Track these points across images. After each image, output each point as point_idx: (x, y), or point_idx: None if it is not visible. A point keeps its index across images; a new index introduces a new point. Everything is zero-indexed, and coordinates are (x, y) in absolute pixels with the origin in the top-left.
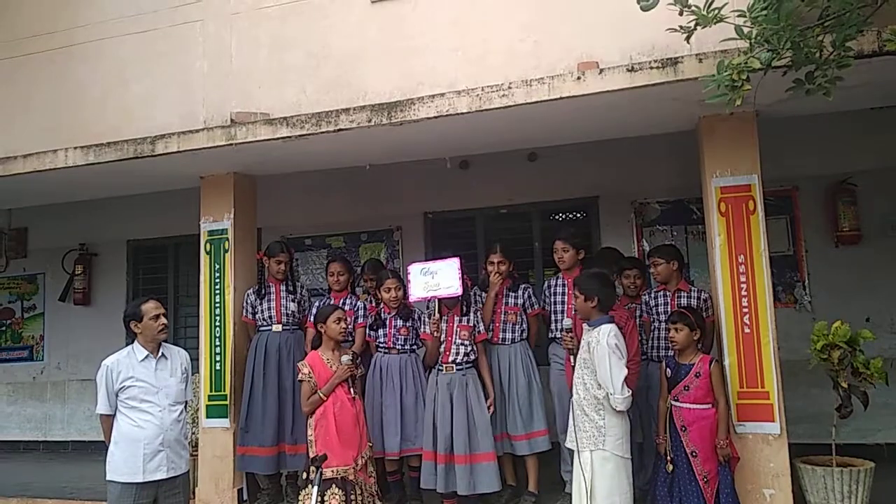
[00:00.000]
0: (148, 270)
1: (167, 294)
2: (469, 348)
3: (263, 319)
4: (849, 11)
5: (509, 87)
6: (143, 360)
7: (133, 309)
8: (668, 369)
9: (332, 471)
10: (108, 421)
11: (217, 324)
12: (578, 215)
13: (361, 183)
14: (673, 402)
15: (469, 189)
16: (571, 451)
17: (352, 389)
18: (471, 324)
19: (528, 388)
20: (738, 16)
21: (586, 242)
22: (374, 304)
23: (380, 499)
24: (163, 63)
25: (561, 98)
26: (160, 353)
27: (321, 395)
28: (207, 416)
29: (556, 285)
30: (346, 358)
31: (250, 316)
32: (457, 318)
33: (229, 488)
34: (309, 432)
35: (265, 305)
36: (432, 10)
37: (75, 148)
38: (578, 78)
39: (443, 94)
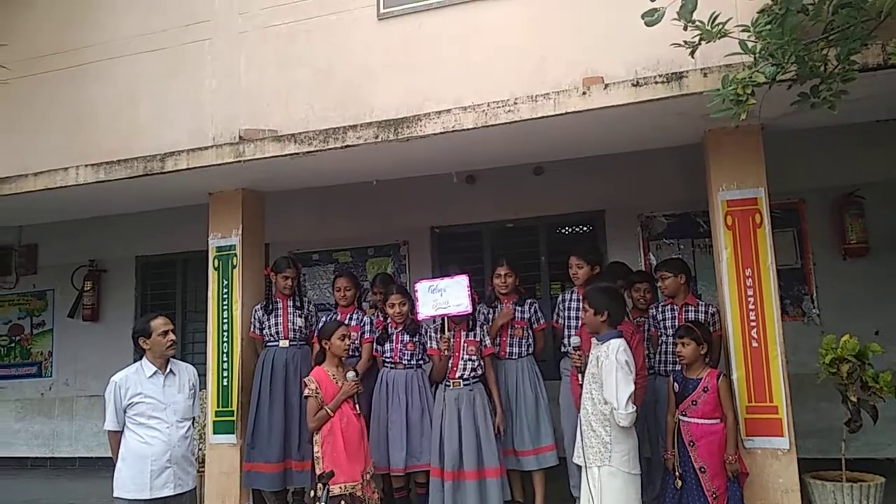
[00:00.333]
0: (156, 286)
1: (175, 310)
2: (476, 363)
3: (270, 335)
4: (853, 25)
5: (515, 103)
6: (151, 376)
7: (142, 325)
8: (675, 384)
9: (340, 487)
10: (115, 437)
11: (225, 339)
12: (585, 229)
13: (368, 198)
14: (681, 417)
15: (475, 203)
16: (580, 467)
17: (357, 406)
18: (478, 338)
19: (535, 402)
20: (742, 30)
21: (599, 258)
22: (381, 319)
23: None
24: (172, 81)
25: (566, 113)
26: (168, 370)
27: (328, 410)
28: (214, 433)
29: (570, 300)
30: (351, 374)
31: (258, 331)
32: (463, 333)
33: None
34: (315, 448)
35: (272, 321)
36: (438, 27)
37: (86, 165)
38: (584, 93)
39: (449, 110)
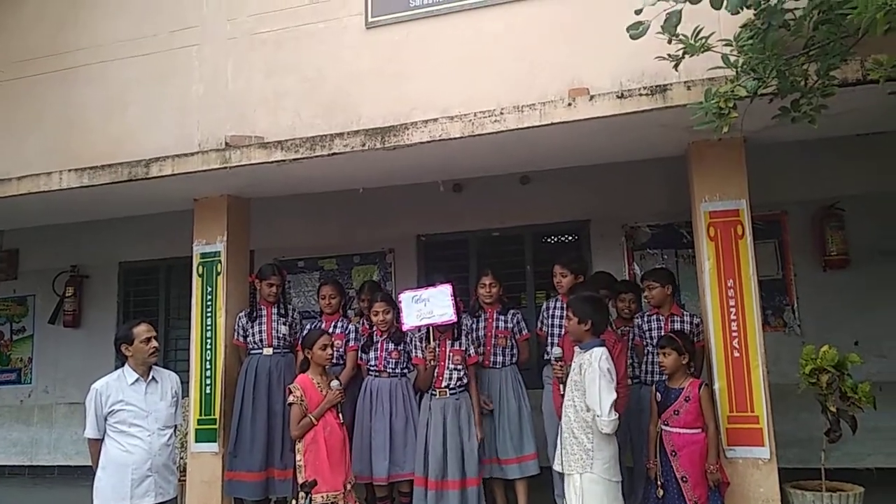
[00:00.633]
0: (139, 293)
1: (158, 317)
2: (462, 372)
3: (254, 342)
4: (832, 41)
5: (501, 113)
6: (133, 383)
7: (124, 332)
8: (657, 393)
9: (323, 496)
10: (95, 445)
11: (208, 347)
12: (570, 238)
13: (354, 205)
14: (663, 427)
15: (462, 212)
16: (562, 475)
17: (340, 415)
18: (462, 347)
19: (518, 411)
20: (725, 45)
21: (583, 267)
22: (367, 326)
23: None
24: (159, 86)
25: (552, 124)
26: (150, 377)
27: (312, 418)
28: (196, 441)
29: (553, 308)
30: (335, 383)
31: (241, 339)
32: (448, 342)
33: None
34: (298, 457)
35: (256, 328)
36: (426, 36)
37: (70, 170)
38: (569, 104)
39: (436, 120)
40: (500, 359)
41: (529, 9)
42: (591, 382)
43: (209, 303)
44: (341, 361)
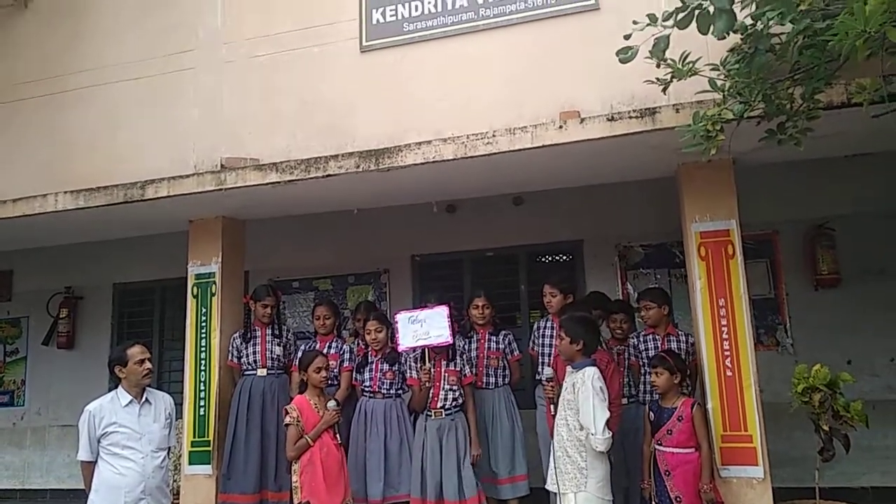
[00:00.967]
0: (133, 314)
1: (152, 338)
2: (457, 392)
3: (248, 363)
4: (817, 66)
5: (493, 136)
6: (126, 405)
7: (118, 353)
8: (651, 413)
9: None
10: (88, 468)
11: (202, 368)
12: (564, 258)
13: (349, 226)
14: (656, 447)
15: (456, 232)
16: (554, 494)
17: (337, 435)
18: (457, 368)
19: (511, 432)
20: (713, 69)
21: (573, 286)
22: (363, 346)
23: None
24: (154, 109)
25: (543, 146)
26: (144, 398)
27: (308, 439)
28: (190, 463)
29: (544, 327)
30: (332, 403)
31: (235, 360)
32: (444, 363)
33: None
34: (294, 478)
35: (250, 349)
36: (420, 59)
37: (65, 192)
38: (560, 127)
39: (429, 142)
40: (492, 379)
41: (522, 33)
42: (585, 401)
43: (203, 324)
44: (336, 382)
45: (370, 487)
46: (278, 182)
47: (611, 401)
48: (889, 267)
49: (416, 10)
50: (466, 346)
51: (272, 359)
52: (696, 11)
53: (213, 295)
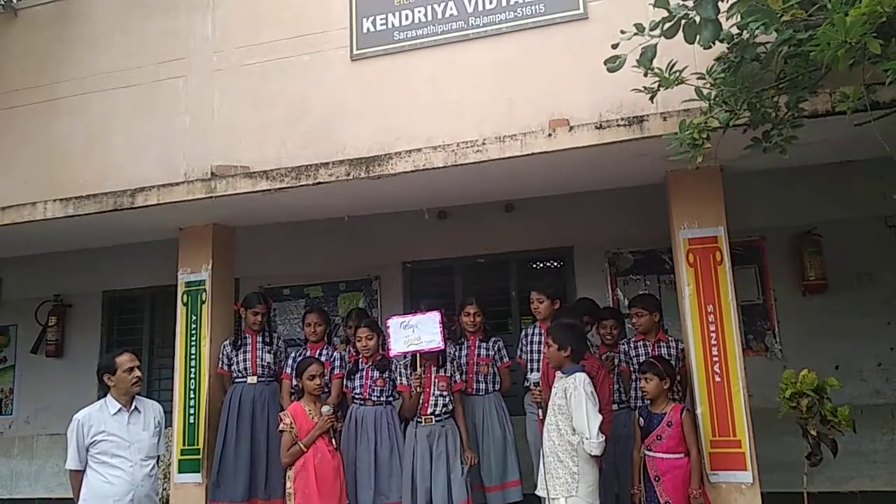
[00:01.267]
0: (123, 322)
1: (142, 346)
2: (447, 399)
3: (239, 371)
4: (802, 74)
5: (483, 143)
6: (115, 413)
7: (107, 361)
8: (640, 419)
9: None
10: (77, 477)
11: (192, 376)
12: (554, 265)
13: (340, 233)
14: (646, 452)
15: (447, 239)
16: (543, 499)
17: (333, 441)
18: (448, 374)
19: (502, 438)
20: (699, 77)
21: (561, 292)
22: (354, 353)
23: None
24: (145, 117)
25: (533, 154)
26: (133, 407)
27: (302, 445)
28: (179, 471)
29: (532, 334)
30: (326, 409)
31: (225, 367)
32: (434, 369)
33: None
34: (288, 485)
35: (241, 357)
36: (410, 68)
37: (54, 200)
38: (549, 135)
39: (419, 150)
40: (482, 386)
41: (511, 42)
42: (578, 405)
43: (193, 332)
44: (326, 389)
45: (360, 495)
46: (269, 190)
47: (601, 406)
48: (876, 272)
49: (407, 18)
50: (457, 353)
51: (262, 366)
52: (683, 21)
53: (203, 302)
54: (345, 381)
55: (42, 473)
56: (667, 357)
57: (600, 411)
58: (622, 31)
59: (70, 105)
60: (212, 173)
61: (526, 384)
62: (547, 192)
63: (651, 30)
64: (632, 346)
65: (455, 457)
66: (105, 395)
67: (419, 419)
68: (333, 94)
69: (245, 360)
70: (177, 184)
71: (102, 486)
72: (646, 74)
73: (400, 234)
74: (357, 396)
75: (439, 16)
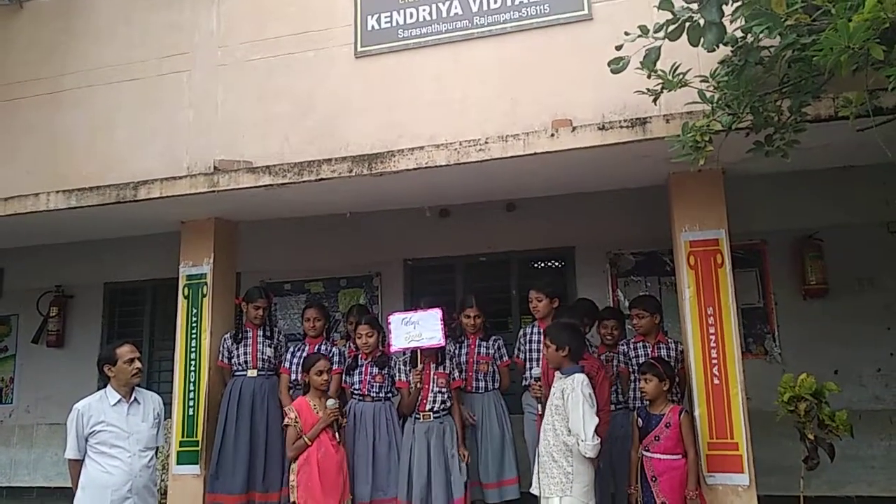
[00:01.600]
0: (124, 313)
1: (143, 337)
2: (446, 395)
3: (239, 364)
4: (805, 79)
5: (486, 142)
6: (115, 404)
7: (107, 352)
8: (639, 419)
9: None
10: (76, 466)
11: (192, 368)
12: (556, 264)
13: (342, 229)
14: (644, 453)
15: (448, 237)
16: (537, 497)
17: (337, 435)
18: (447, 371)
19: (501, 436)
20: (702, 80)
21: (561, 292)
22: (354, 349)
23: None
24: (149, 111)
25: (535, 154)
26: (133, 398)
27: (306, 439)
28: (178, 463)
29: (531, 333)
30: (330, 402)
31: (226, 360)
32: (433, 366)
33: None
34: (291, 477)
35: (241, 350)
36: (414, 66)
37: (57, 192)
38: (552, 135)
39: (422, 147)
40: (482, 384)
41: (515, 42)
42: (575, 407)
43: (194, 324)
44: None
45: (358, 490)
46: (271, 185)
47: (600, 407)
48: (877, 278)
49: (411, 17)
50: (456, 351)
51: (263, 360)
52: (687, 24)
53: (204, 296)
54: (344, 376)
55: (41, 462)
56: (666, 358)
57: (598, 412)
58: (626, 33)
59: (74, 97)
60: (215, 168)
61: (525, 382)
62: (549, 192)
63: (655, 32)
64: (631, 346)
65: (453, 453)
66: (105, 386)
67: (417, 415)
68: (337, 91)
69: (246, 354)
70: (180, 177)
71: (101, 475)
72: (649, 76)
73: (402, 231)
74: (356, 392)
75: (444, 14)
